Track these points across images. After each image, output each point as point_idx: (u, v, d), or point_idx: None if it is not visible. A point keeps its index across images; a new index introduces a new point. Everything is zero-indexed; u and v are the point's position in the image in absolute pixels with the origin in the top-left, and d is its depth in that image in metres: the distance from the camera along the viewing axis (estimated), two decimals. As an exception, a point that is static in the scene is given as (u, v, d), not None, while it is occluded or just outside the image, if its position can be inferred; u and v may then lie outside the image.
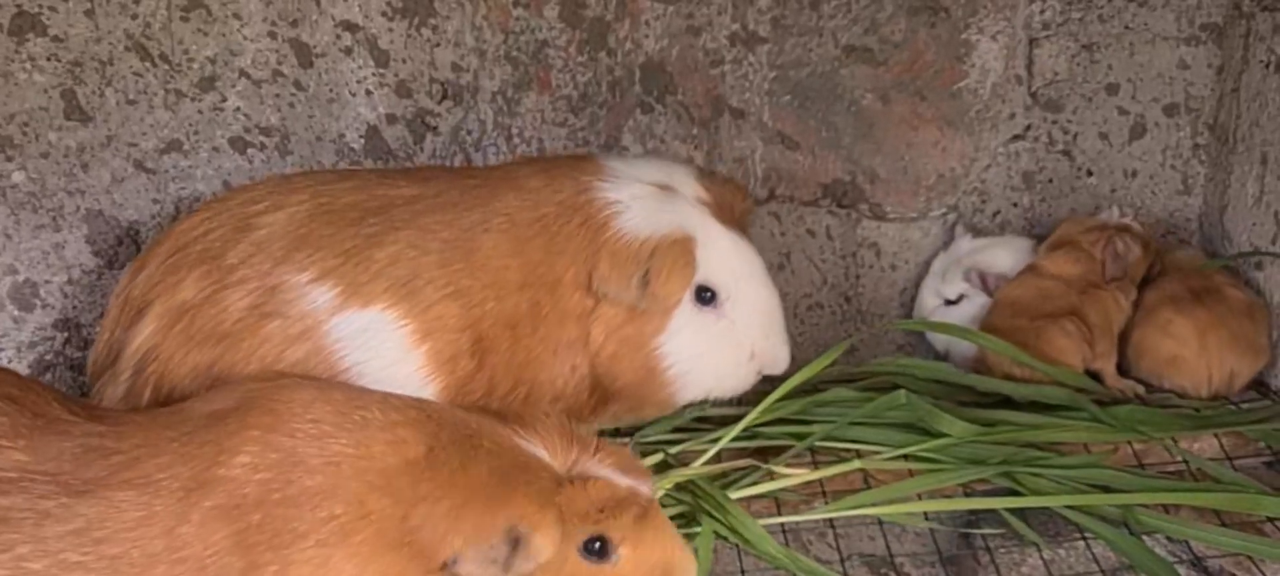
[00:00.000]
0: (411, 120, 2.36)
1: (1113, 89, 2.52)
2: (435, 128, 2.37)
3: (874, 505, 1.98)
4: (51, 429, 1.49)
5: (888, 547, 1.93)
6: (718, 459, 2.04)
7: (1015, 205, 2.57)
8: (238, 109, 2.30)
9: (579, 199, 1.92)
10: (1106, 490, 1.99)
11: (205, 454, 1.43)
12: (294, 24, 2.27)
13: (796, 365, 2.09)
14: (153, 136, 2.29)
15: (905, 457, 2.06)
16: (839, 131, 2.47)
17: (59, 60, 2.21)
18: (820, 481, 2.04)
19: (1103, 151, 2.56)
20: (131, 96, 2.26)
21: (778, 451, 2.09)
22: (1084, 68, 2.50)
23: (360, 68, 2.32)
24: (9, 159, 2.24)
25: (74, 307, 2.34)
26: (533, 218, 1.90)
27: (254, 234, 1.83)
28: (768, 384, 2.07)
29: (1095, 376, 2.33)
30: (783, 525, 1.96)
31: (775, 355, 2.03)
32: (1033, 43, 2.47)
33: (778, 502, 2.02)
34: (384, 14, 2.29)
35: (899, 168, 2.51)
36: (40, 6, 2.18)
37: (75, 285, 2.33)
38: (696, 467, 2.01)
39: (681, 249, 1.89)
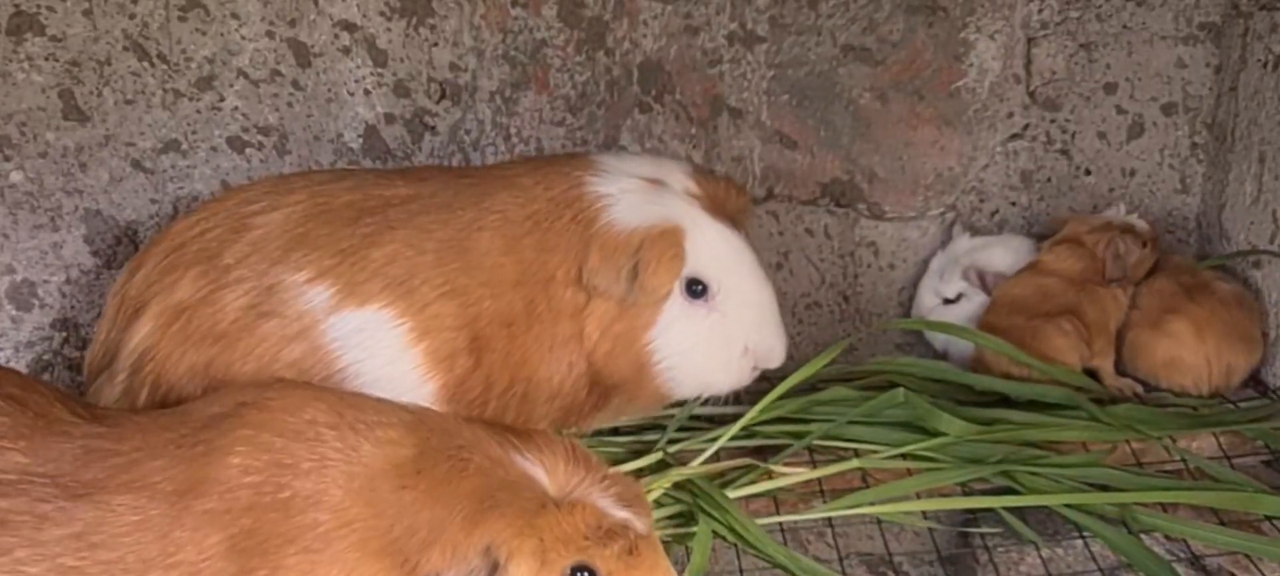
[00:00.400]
0: (410, 120, 2.36)
1: (1111, 88, 2.52)
2: (433, 127, 2.37)
3: (872, 504, 1.98)
4: (53, 430, 1.48)
5: (886, 546, 1.93)
6: (716, 458, 2.04)
7: (1013, 204, 2.57)
8: (236, 108, 2.30)
9: (570, 194, 1.92)
10: (1105, 489, 1.99)
11: (198, 455, 1.42)
12: (292, 24, 2.27)
13: (795, 364, 2.09)
14: (151, 136, 2.29)
15: (904, 456, 2.06)
16: (837, 131, 2.47)
17: (57, 60, 2.21)
18: (819, 480, 2.04)
19: (1101, 150, 2.56)
20: (129, 96, 2.26)
21: (776, 450, 2.09)
22: (1082, 67, 2.50)
23: (358, 67, 2.31)
24: (7, 159, 2.24)
25: (72, 307, 2.34)
26: (525, 215, 1.90)
27: (250, 234, 1.83)
28: (765, 382, 2.07)
29: (1093, 375, 2.33)
30: (781, 524, 1.96)
31: (770, 349, 1.99)
32: (1031, 42, 2.47)
33: (776, 501, 2.02)
34: (382, 14, 2.29)
35: (897, 167, 2.51)
36: (38, 6, 2.18)
37: (73, 285, 2.33)
38: (695, 466, 2.01)
39: (670, 239, 1.87)
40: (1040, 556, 1.89)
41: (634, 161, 2.01)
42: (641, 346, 1.91)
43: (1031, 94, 2.51)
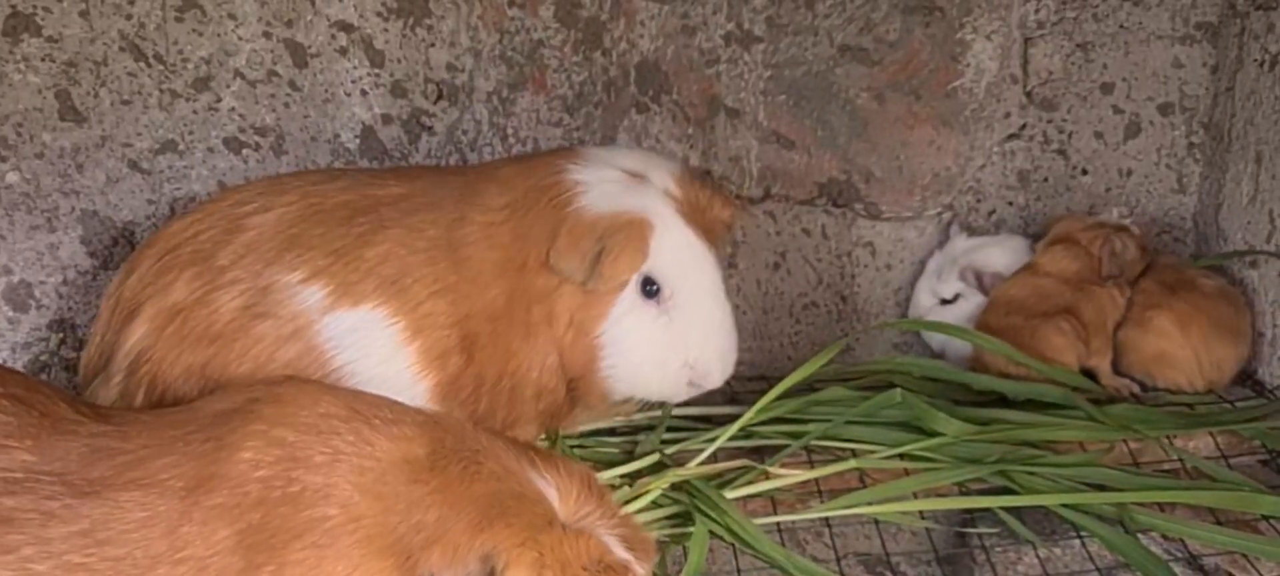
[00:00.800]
0: (407, 120, 2.36)
1: (1108, 88, 2.52)
2: (431, 128, 2.37)
3: (870, 504, 1.98)
4: (58, 429, 1.48)
5: (884, 546, 1.93)
6: (714, 458, 2.04)
7: (1010, 204, 2.58)
8: (233, 109, 2.30)
9: (547, 181, 1.91)
10: (1102, 488, 1.99)
11: (208, 450, 1.42)
12: (289, 24, 2.27)
13: (792, 364, 2.10)
14: (147, 137, 2.29)
15: (901, 456, 2.06)
16: (834, 131, 2.47)
17: (53, 61, 2.21)
18: (816, 480, 2.04)
19: (1098, 150, 2.56)
20: (126, 97, 2.25)
21: (774, 450, 2.09)
22: (1079, 67, 2.50)
23: (355, 68, 2.31)
24: (3, 159, 2.24)
25: (69, 308, 2.34)
26: (503, 204, 1.90)
27: (244, 235, 1.83)
28: (763, 382, 2.07)
29: (1090, 375, 2.33)
30: (779, 524, 1.96)
31: (708, 368, 1.94)
32: (1028, 42, 2.47)
33: (774, 502, 2.02)
34: (379, 14, 2.29)
35: (894, 167, 2.51)
36: (35, 7, 2.18)
37: (70, 286, 2.33)
38: (692, 467, 2.01)
39: (636, 230, 1.86)
40: (1037, 556, 1.89)
41: (620, 154, 2.00)
42: (592, 338, 1.90)
43: (1028, 94, 2.51)
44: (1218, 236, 2.53)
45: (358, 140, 2.35)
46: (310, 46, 2.29)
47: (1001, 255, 2.45)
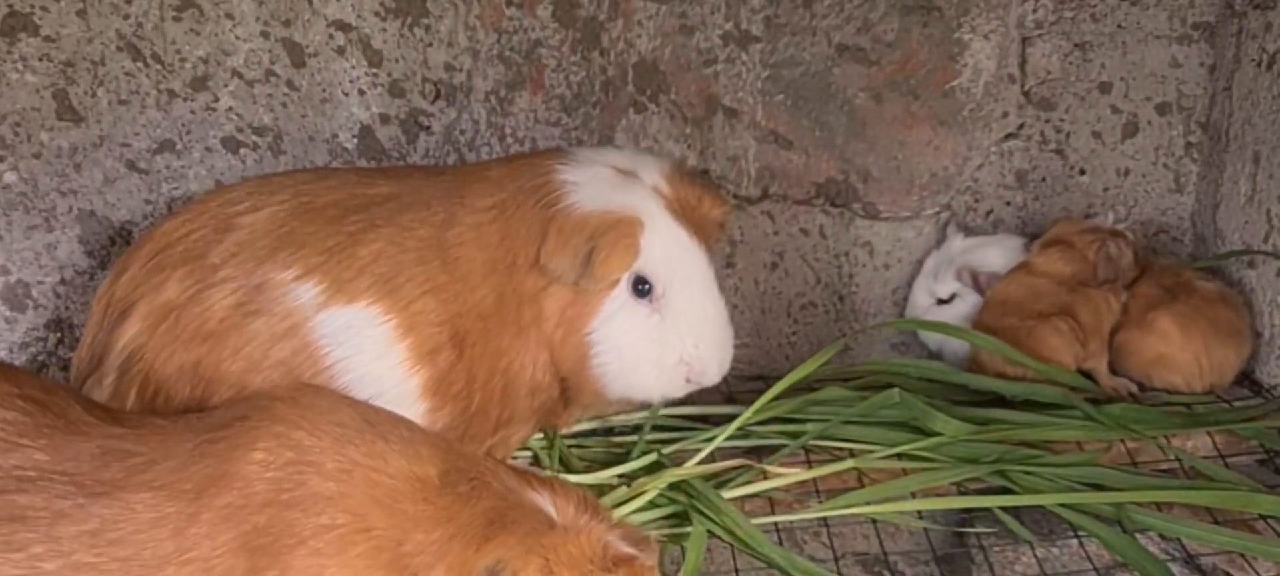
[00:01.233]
0: (405, 120, 2.36)
1: (1105, 88, 2.52)
2: (428, 127, 2.37)
3: (868, 504, 1.98)
4: (73, 430, 1.49)
5: (882, 546, 1.93)
6: (711, 458, 2.04)
7: (1008, 204, 2.58)
8: (230, 109, 2.30)
9: (536, 182, 1.92)
10: (1100, 488, 1.99)
11: (220, 452, 1.42)
12: (287, 24, 2.27)
13: (790, 364, 2.09)
14: (145, 136, 2.28)
15: (899, 456, 2.06)
16: (832, 131, 2.47)
17: (51, 60, 2.21)
18: (814, 480, 2.04)
19: (1095, 150, 2.56)
20: (124, 96, 2.25)
21: (771, 450, 2.09)
22: (1077, 66, 2.50)
23: (353, 68, 2.31)
24: (1, 159, 2.24)
25: (67, 308, 2.34)
26: (491, 203, 1.91)
27: (236, 234, 1.84)
28: (761, 382, 2.07)
29: (1088, 376, 2.33)
30: (777, 524, 1.96)
31: (705, 365, 1.95)
32: (1025, 41, 2.47)
33: (772, 502, 2.02)
34: (377, 14, 2.29)
35: (892, 167, 2.51)
36: (32, 6, 2.18)
37: (68, 286, 2.33)
38: (690, 467, 2.01)
39: (626, 228, 1.87)
40: (1035, 555, 1.89)
41: (609, 153, 2.01)
42: (583, 336, 1.90)
43: (1026, 94, 2.51)
44: (1215, 236, 2.53)
45: (356, 140, 2.35)
46: (308, 46, 2.29)
47: (998, 255, 2.45)
